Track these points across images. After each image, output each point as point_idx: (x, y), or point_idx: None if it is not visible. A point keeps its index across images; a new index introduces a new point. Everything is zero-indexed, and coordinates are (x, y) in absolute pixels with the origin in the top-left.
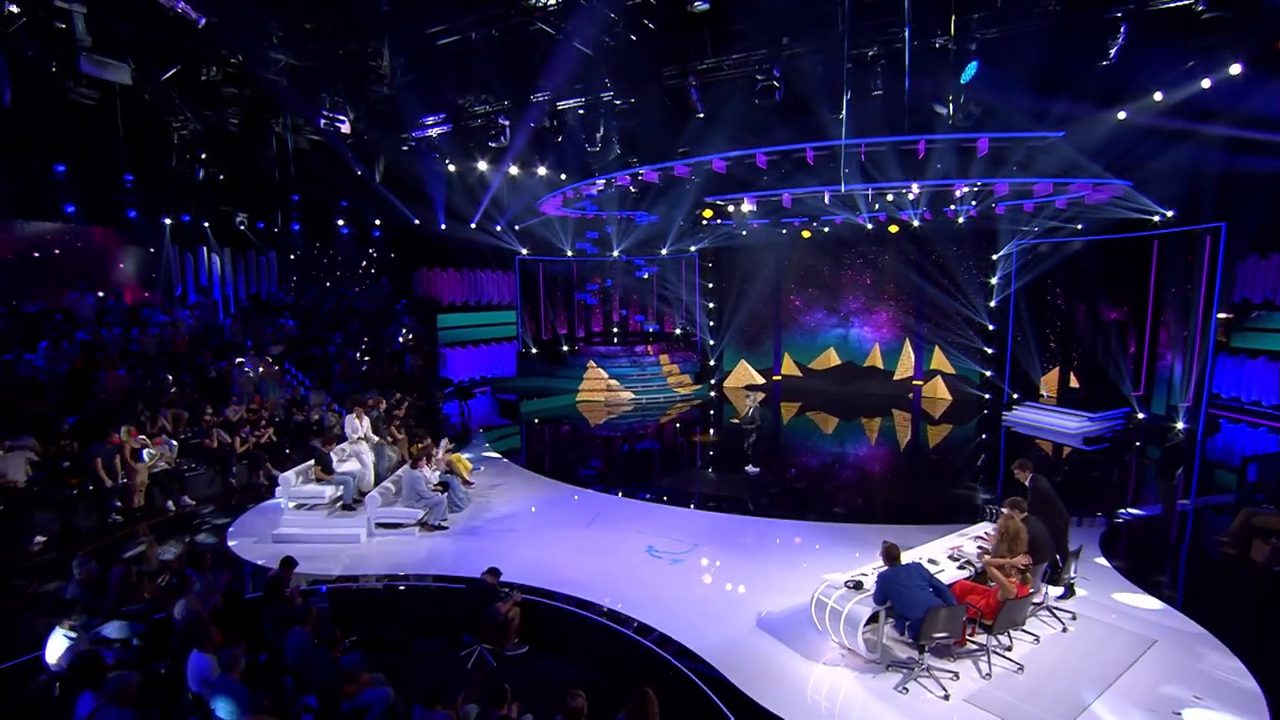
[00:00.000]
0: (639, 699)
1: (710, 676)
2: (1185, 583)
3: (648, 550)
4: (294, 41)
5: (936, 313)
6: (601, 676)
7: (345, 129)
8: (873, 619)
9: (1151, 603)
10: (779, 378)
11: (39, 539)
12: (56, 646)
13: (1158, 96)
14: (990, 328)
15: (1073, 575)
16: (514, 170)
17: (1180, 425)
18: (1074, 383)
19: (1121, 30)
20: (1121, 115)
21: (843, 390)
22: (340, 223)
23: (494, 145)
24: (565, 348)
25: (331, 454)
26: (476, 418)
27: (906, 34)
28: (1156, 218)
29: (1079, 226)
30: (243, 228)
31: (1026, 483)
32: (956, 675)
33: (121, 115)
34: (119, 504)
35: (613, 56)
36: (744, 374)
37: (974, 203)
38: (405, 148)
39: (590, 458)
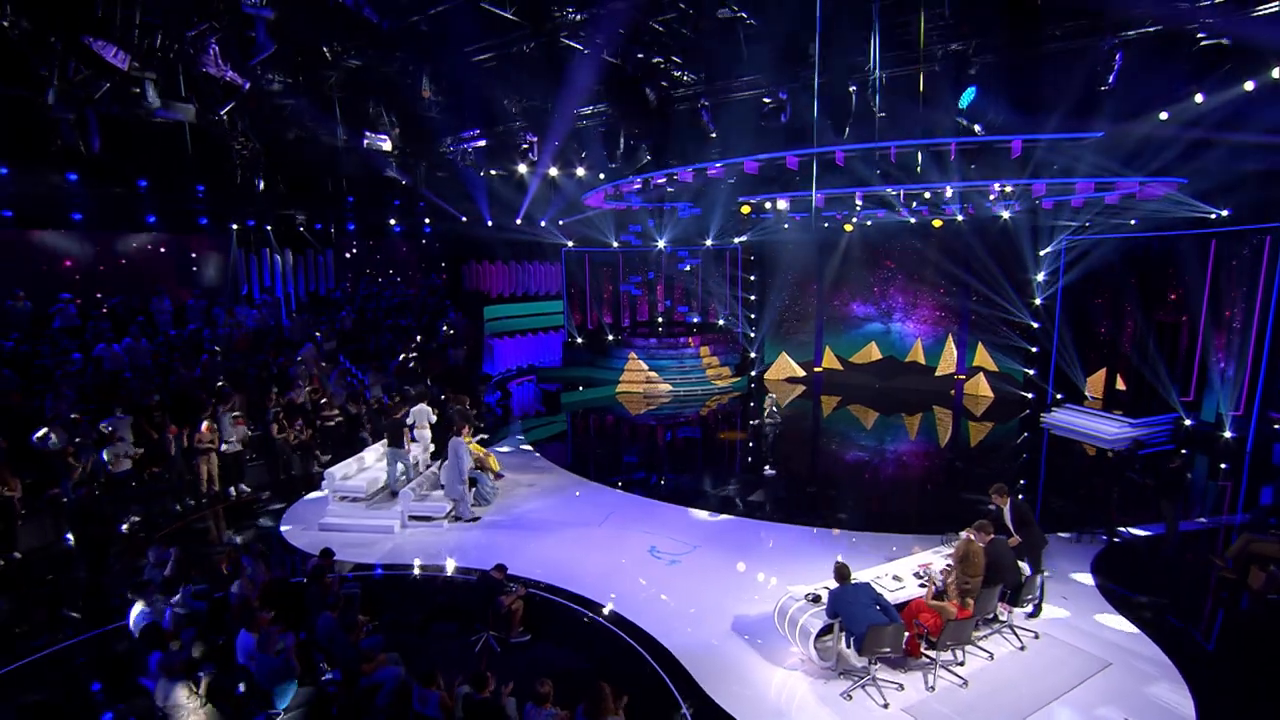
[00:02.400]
0: (596, 693)
1: (678, 673)
2: (1170, 607)
3: (649, 551)
4: (339, 63)
5: (980, 309)
6: (591, 666)
7: (386, 146)
8: (829, 629)
9: (1124, 626)
10: (819, 370)
11: (134, 519)
12: (138, 620)
13: (1199, 99)
14: (1034, 325)
15: (1034, 595)
16: (553, 172)
17: (1228, 434)
18: (1120, 385)
19: (1117, 57)
20: (1163, 116)
21: (883, 385)
22: (392, 221)
23: (524, 161)
24: (610, 337)
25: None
26: (517, 409)
27: (874, 52)
28: (1213, 215)
29: (1132, 222)
30: (301, 229)
31: (1005, 507)
32: (901, 686)
33: (190, 136)
34: (203, 486)
35: (626, 79)
36: (784, 366)
37: (1015, 200)
38: (444, 160)
39: (617, 452)
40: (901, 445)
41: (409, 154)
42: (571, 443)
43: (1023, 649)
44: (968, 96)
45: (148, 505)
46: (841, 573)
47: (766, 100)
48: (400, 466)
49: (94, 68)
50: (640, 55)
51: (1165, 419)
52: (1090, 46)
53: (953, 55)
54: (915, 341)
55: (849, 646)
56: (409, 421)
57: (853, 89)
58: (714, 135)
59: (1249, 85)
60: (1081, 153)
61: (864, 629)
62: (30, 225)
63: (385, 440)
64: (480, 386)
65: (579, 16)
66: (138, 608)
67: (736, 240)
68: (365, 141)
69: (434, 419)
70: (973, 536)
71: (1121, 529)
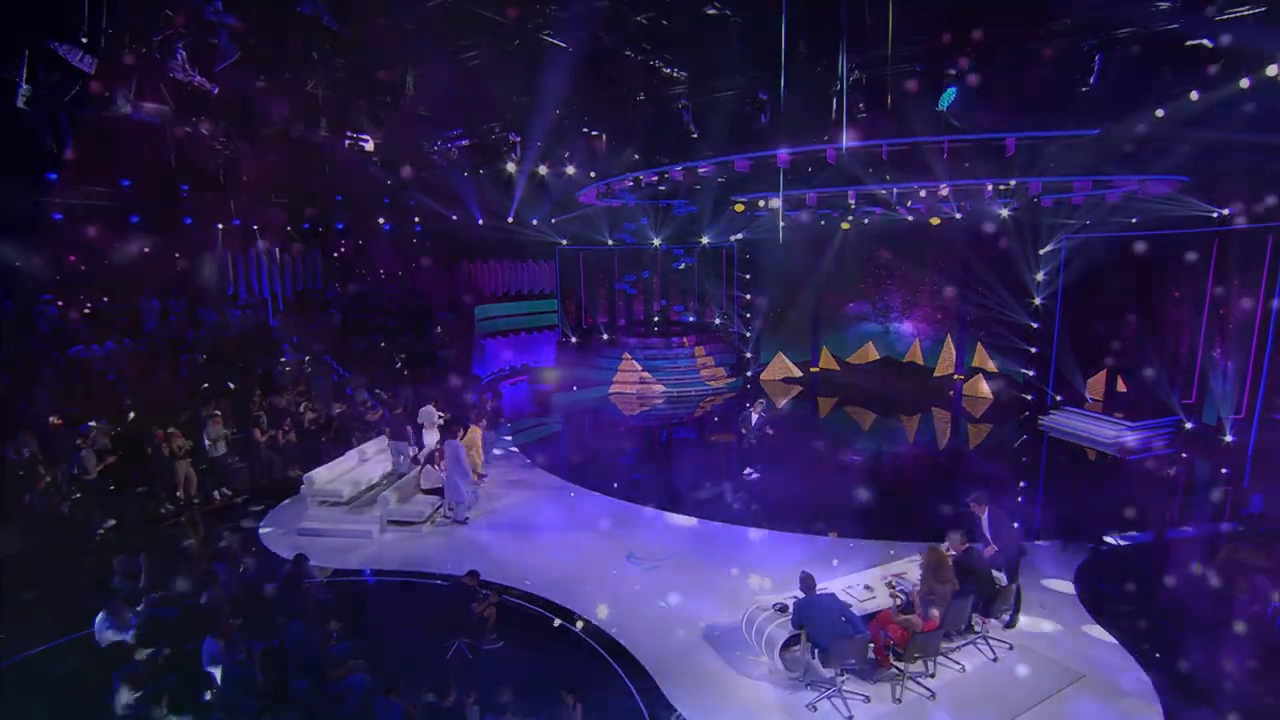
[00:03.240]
0: (559, 704)
1: (646, 681)
2: (1151, 618)
3: (627, 557)
4: (320, 64)
5: (978, 309)
6: (561, 673)
7: (369, 147)
8: (796, 639)
9: (1102, 636)
10: (816, 370)
11: (110, 522)
12: (101, 629)
13: (1194, 96)
14: (1033, 326)
15: (1009, 605)
16: (543, 170)
17: (1229, 438)
18: (1121, 387)
19: (1096, 59)
20: (1159, 113)
21: (881, 385)
22: (381, 220)
23: (510, 159)
24: (604, 337)
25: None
26: (507, 409)
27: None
28: (1215, 214)
29: (1134, 220)
30: (288, 229)
31: (983, 516)
32: (868, 698)
33: (173, 137)
34: (179, 490)
35: (608, 77)
36: (781, 366)
37: (1012, 198)
38: (430, 159)
39: (603, 455)
40: (898, 448)
41: (393, 153)
42: (557, 445)
43: (996, 660)
44: (948, 97)
45: (124, 511)
46: (807, 583)
47: (747, 100)
48: (400, 459)
49: (62, 72)
50: (624, 54)
51: (1166, 422)
52: (1072, 47)
53: (934, 54)
54: (913, 341)
55: (813, 658)
56: (419, 422)
57: (836, 89)
58: (695, 136)
59: (1244, 83)
60: (1077, 152)
61: (827, 641)
62: (10, 226)
63: (389, 434)
64: (470, 387)
65: (561, 15)
66: (101, 618)
67: (732, 238)
68: (347, 142)
69: (440, 420)
70: (945, 546)
71: (1107, 536)
